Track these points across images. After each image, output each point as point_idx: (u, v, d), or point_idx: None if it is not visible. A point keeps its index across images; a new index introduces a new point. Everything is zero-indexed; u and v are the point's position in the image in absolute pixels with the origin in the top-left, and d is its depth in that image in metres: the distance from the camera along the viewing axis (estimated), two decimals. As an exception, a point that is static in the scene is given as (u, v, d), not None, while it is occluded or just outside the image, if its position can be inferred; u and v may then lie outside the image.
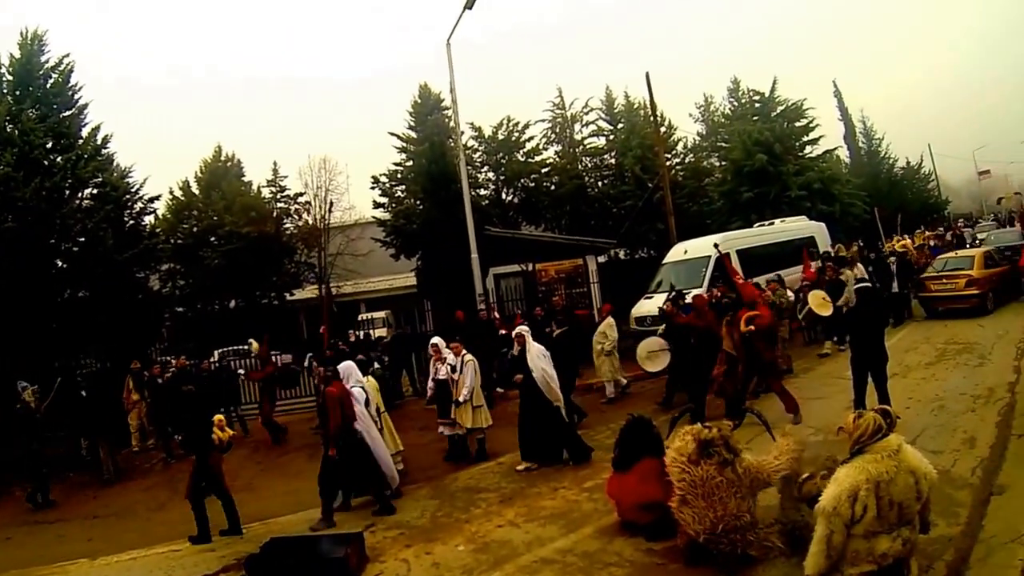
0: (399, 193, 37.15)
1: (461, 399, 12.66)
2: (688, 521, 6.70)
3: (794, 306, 18.43)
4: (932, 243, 26.77)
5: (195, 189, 40.11)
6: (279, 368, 19.15)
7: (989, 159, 73.61)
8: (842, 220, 35.95)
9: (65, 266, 24.71)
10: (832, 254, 22.95)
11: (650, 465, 7.14)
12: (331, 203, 37.93)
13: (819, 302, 16.74)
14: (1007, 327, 18.17)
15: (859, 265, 18.89)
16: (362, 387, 11.50)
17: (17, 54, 26.21)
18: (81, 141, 26.76)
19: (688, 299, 17.47)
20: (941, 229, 28.45)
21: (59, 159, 25.21)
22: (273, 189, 40.51)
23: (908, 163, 58.57)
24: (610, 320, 16.99)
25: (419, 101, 37.50)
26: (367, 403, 11.33)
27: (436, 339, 13.82)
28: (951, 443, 9.69)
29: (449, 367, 13.08)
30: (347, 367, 11.75)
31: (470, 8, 22.52)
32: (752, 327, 11.84)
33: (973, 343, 16.66)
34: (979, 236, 35.80)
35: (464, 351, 13.14)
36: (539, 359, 11.77)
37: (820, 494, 5.47)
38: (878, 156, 56.52)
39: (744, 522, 6.60)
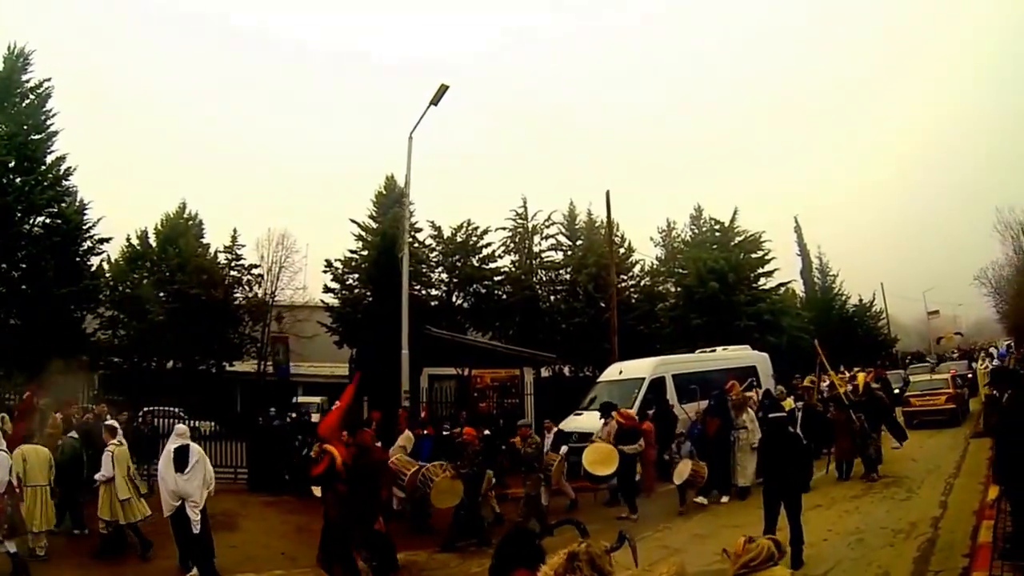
0: (351, 281, 37.05)
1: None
2: None
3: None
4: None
5: (152, 241, 39.01)
6: None
7: (939, 300, 75.27)
8: (789, 353, 36.17)
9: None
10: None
11: (524, 578, 6.87)
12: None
13: (595, 459, 15.15)
14: (939, 461, 18.41)
15: (749, 411, 17.29)
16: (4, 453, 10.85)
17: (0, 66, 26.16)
18: (44, 167, 26.60)
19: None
20: (844, 371, 26.39)
21: (18, 180, 24.93)
22: (229, 256, 40.21)
23: (861, 300, 59.52)
24: (408, 434, 16.11)
25: (383, 192, 37.98)
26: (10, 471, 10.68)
27: (110, 421, 13.38)
28: None
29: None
30: None
31: (435, 104, 22.71)
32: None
33: (903, 477, 16.69)
34: (911, 378, 35.49)
35: (112, 439, 12.36)
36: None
37: None
38: (831, 292, 57.37)
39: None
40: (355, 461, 11.54)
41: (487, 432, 16.23)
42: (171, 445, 11.42)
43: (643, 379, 22.00)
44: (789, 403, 20.06)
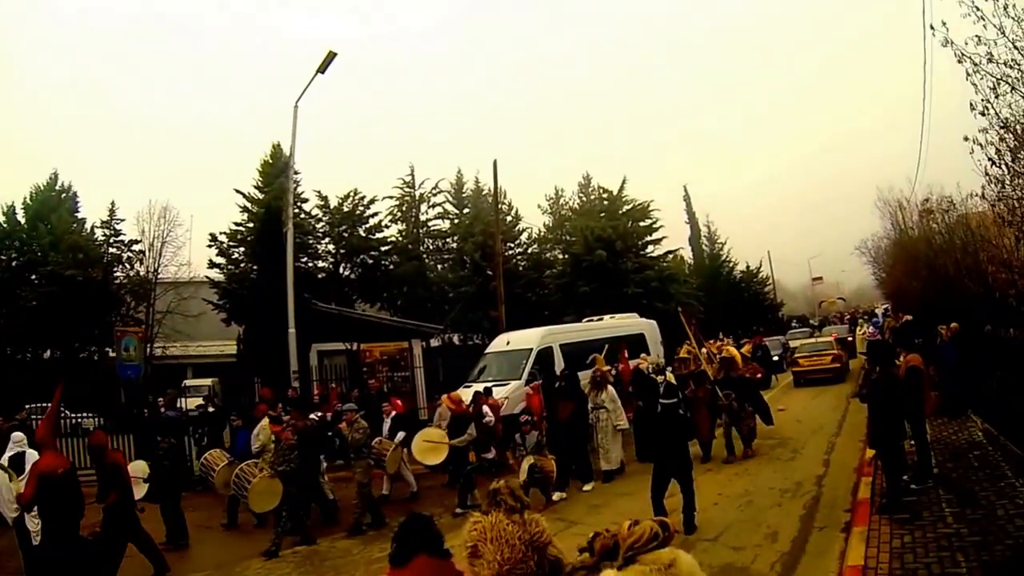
0: (236, 255, 35.52)
1: None
2: (479, 570, 6.37)
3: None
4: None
5: (21, 217, 37.02)
6: None
7: (823, 267, 78.06)
8: (677, 319, 36.71)
9: None
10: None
11: (426, 563, 6.82)
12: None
13: (424, 447, 14.54)
14: (823, 421, 19.10)
15: (610, 388, 15.81)
16: None
17: None
18: None
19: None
20: (724, 338, 26.25)
21: None
22: (107, 232, 38.04)
23: (748, 267, 61.06)
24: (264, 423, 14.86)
25: (270, 161, 36.51)
26: None
27: None
28: (754, 538, 9.85)
29: None
30: None
31: (322, 72, 22.38)
32: None
33: (788, 438, 17.18)
34: (791, 343, 36.72)
35: None
36: None
37: None
38: (719, 259, 58.73)
39: (530, 569, 6.28)
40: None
41: (313, 417, 15.68)
42: (8, 453, 11.37)
43: (531, 349, 21.78)
44: (670, 376, 18.87)
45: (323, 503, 14.09)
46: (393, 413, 16.26)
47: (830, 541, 9.45)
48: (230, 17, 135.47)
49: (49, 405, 13.44)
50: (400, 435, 15.26)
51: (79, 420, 23.33)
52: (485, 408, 15.98)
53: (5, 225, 36.43)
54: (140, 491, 12.68)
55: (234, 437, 15.46)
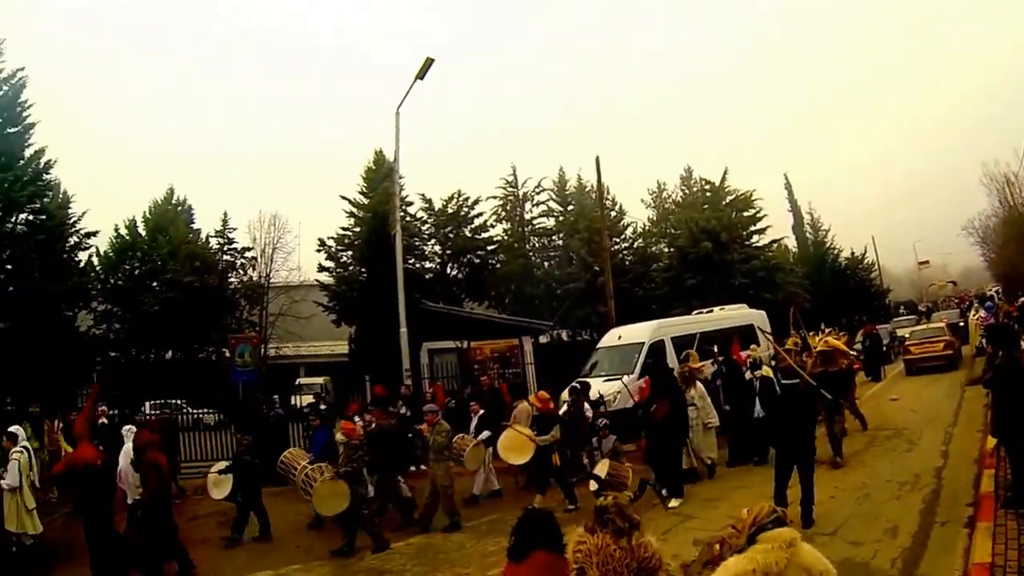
0: (344, 258, 36.52)
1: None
2: None
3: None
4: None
5: (141, 230, 38.36)
6: None
7: (928, 250, 75.86)
8: (785, 309, 36.28)
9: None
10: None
11: (543, 559, 6.93)
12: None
13: (510, 444, 13.77)
14: (938, 411, 18.31)
15: (699, 384, 15.16)
16: None
17: (-34, 56, 25.28)
18: (22, 162, 26.04)
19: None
20: (826, 329, 24.07)
21: (-5, 177, 24.14)
22: (221, 240, 39.59)
23: (852, 253, 59.71)
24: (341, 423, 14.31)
25: (373, 167, 37.32)
26: None
27: (13, 428, 13.05)
28: (873, 533, 9.51)
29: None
30: None
31: (421, 79, 22.63)
32: None
33: (903, 429, 16.66)
34: (897, 331, 36.62)
35: (14, 447, 12.24)
36: None
37: None
38: (823, 247, 57.54)
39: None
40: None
41: (403, 413, 15.60)
42: (128, 443, 12.09)
43: (643, 344, 21.74)
44: (767, 370, 17.85)
45: (399, 503, 14.03)
46: (481, 412, 16.15)
47: (953, 536, 8.99)
48: (331, 28, 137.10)
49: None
50: (484, 434, 15.13)
51: (200, 416, 24.06)
52: (586, 405, 15.69)
53: (128, 237, 37.86)
54: (222, 490, 13.24)
55: (314, 437, 15.57)
